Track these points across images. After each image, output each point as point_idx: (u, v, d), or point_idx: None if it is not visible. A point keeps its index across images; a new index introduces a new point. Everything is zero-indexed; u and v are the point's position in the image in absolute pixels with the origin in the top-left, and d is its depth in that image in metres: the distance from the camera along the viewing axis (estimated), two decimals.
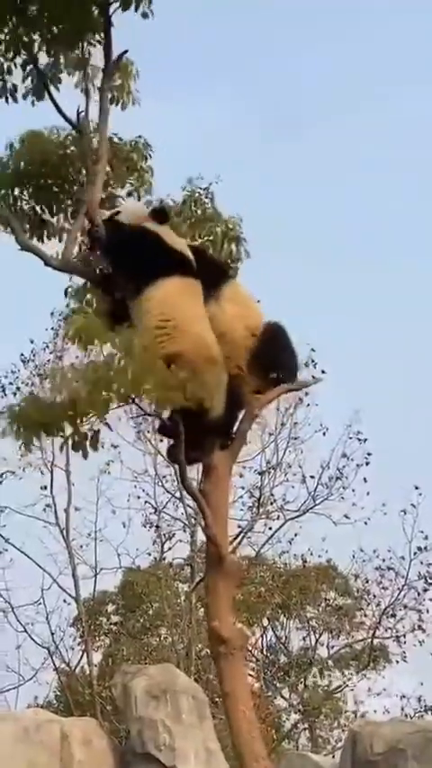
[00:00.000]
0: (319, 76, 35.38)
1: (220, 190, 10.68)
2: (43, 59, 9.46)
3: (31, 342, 21.75)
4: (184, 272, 8.48)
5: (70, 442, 7.49)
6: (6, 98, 9.57)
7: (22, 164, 9.85)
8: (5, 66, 9.47)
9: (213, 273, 8.81)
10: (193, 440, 8.27)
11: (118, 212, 8.89)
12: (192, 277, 8.52)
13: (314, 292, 28.54)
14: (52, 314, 21.20)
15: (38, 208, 9.98)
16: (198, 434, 8.26)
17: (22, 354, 21.77)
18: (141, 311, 8.36)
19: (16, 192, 9.91)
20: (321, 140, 34.08)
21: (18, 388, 21.52)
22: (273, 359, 8.71)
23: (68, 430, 7.48)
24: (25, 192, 9.93)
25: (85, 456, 7.55)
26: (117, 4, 9.02)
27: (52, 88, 9.51)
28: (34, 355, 21.72)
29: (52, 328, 21.39)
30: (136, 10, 9.01)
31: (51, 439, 7.95)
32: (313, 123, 33.51)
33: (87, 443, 7.49)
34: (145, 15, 9.06)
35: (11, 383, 21.72)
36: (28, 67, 9.47)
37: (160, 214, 8.81)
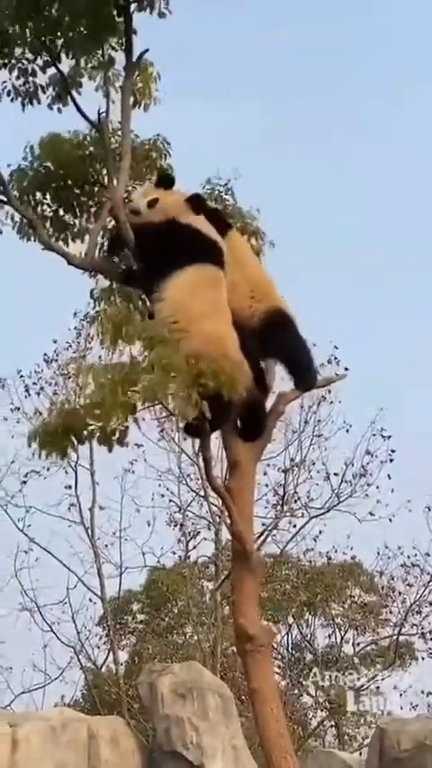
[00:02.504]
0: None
1: (242, 186, 10.69)
2: (65, 66, 9.41)
3: (54, 342, 21.80)
4: (206, 259, 8.34)
5: (97, 435, 7.47)
6: (30, 101, 9.56)
7: (43, 167, 9.85)
8: (29, 69, 9.44)
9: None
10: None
11: (156, 200, 8.66)
12: (215, 264, 8.37)
13: (336, 287, 28.50)
14: (75, 314, 21.29)
15: (60, 210, 9.98)
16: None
17: (45, 354, 21.83)
18: (156, 310, 8.31)
19: (38, 196, 9.90)
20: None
21: (42, 388, 21.60)
22: (289, 361, 8.67)
23: (94, 427, 7.46)
24: (47, 196, 9.92)
25: (110, 449, 7.52)
26: (135, 5, 8.93)
27: (74, 92, 9.46)
28: (57, 355, 21.76)
29: (75, 328, 21.46)
30: (151, 12, 8.94)
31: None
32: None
33: (114, 439, 7.47)
34: (162, 15, 8.97)
35: (34, 383, 21.78)
36: (50, 71, 9.43)
37: (195, 202, 8.67)
